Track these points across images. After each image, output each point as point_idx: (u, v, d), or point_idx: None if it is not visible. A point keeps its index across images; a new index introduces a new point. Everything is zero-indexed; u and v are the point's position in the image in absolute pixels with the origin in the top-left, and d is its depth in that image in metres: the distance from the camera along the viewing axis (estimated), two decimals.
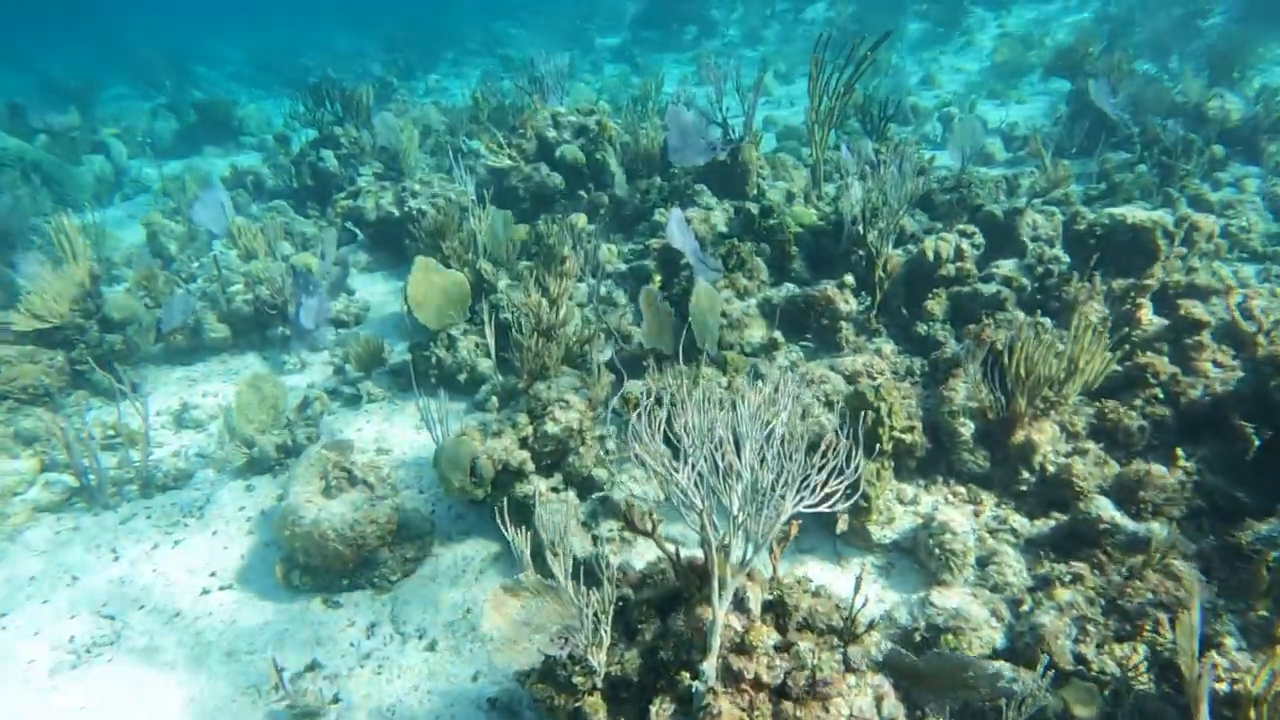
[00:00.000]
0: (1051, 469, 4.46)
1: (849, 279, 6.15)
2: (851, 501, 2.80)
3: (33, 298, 6.13)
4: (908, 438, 4.59)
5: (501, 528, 3.12)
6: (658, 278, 6.93)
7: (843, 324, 6.07)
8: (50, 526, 5.12)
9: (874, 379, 5.54)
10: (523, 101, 9.93)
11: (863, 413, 4.42)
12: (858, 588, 2.96)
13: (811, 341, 6.24)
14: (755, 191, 7.55)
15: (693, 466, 2.66)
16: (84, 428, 5.90)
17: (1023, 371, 4.46)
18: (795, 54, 16.99)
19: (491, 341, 5.35)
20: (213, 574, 4.64)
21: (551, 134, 8.67)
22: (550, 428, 4.55)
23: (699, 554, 3.17)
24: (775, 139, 11.41)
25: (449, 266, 6.44)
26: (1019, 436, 4.62)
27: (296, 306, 6.54)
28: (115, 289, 7.49)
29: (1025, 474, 4.55)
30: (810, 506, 2.74)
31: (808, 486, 2.81)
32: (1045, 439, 4.49)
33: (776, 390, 3.06)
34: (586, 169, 8.49)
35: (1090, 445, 4.54)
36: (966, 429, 4.77)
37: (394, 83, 14.57)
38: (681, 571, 3.08)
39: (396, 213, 8.12)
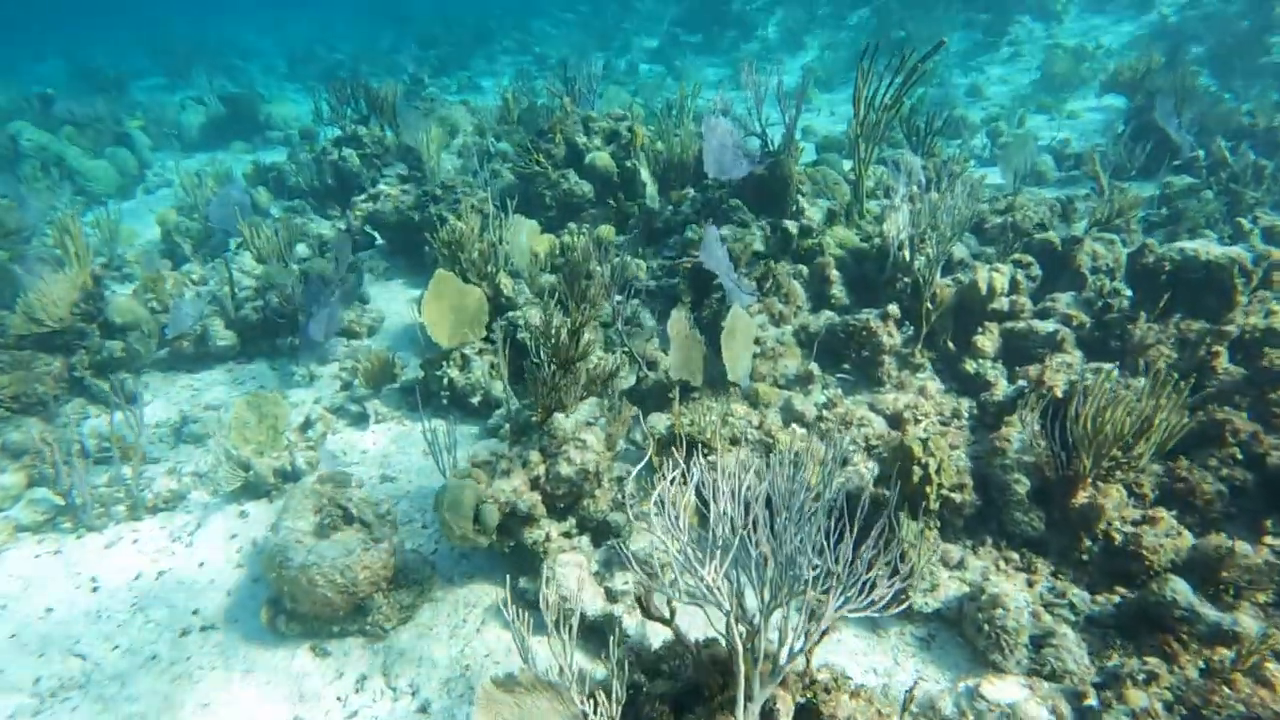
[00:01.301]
0: (1117, 538, 3.98)
1: (893, 309, 5.69)
2: (904, 606, 2.37)
3: (31, 300, 5.86)
4: (957, 497, 4.13)
5: (504, 610, 2.73)
6: (687, 298, 6.53)
7: (885, 357, 5.62)
8: (31, 549, 4.82)
9: (918, 420, 5.09)
10: (553, 104, 9.56)
11: (909, 468, 3.98)
12: (906, 706, 2.54)
13: (850, 374, 5.80)
14: (794, 208, 7.11)
15: (720, 563, 2.25)
16: (78, 440, 5.61)
17: (1089, 427, 3.99)
18: (837, 61, 16.49)
19: (503, 366, 4.97)
20: (195, 611, 4.30)
21: (581, 139, 8.29)
22: (564, 469, 4.16)
23: (720, 640, 2.77)
24: (815, 150, 10.95)
25: (467, 279, 6.08)
26: (1080, 498, 4.15)
27: (306, 316, 6.22)
28: (125, 289, 7.22)
29: (1086, 541, 4.07)
30: (855, 610, 2.33)
31: (853, 583, 2.39)
32: (1111, 504, 4.01)
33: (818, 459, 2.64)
34: (617, 177, 8.10)
35: (1162, 514, 4.05)
36: (1021, 486, 4.31)
37: (425, 80, 14.27)
38: (702, 666, 2.67)
39: (417, 217, 7.78)
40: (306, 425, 5.43)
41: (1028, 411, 4.53)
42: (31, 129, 11.60)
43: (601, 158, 7.97)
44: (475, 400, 5.66)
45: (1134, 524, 4.03)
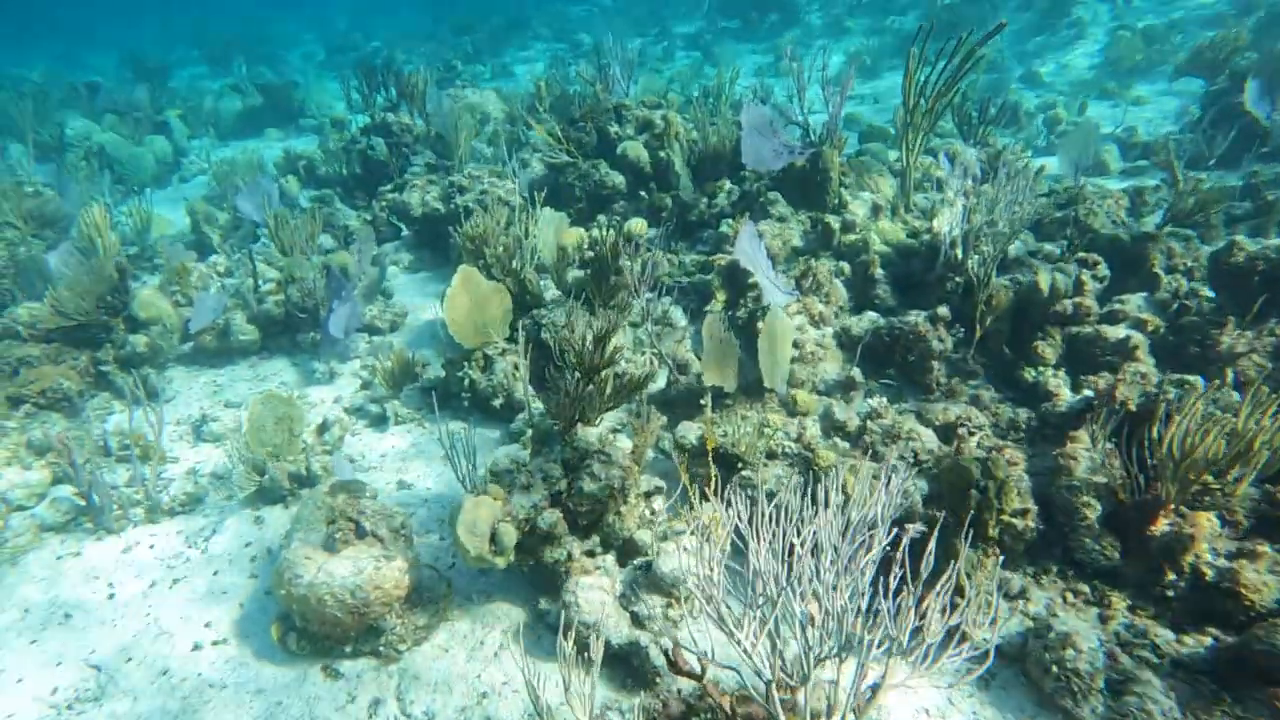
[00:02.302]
0: (1208, 573, 3.62)
1: (943, 311, 5.34)
2: (970, 675, 2.10)
3: (59, 293, 5.77)
4: (1020, 523, 3.81)
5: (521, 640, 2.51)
6: (721, 296, 6.24)
7: (934, 363, 5.28)
8: (53, 550, 4.73)
9: (971, 433, 4.75)
10: (586, 91, 9.28)
11: (966, 491, 3.67)
12: None
13: (895, 380, 5.47)
14: (835, 202, 6.76)
15: (760, 628, 1.99)
16: (100, 437, 5.52)
17: (1176, 451, 3.63)
18: (882, 46, 15.94)
19: (525, 369, 4.74)
20: (208, 624, 4.16)
21: (614, 129, 8.01)
22: (588, 485, 3.91)
23: (756, 695, 2.51)
24: (857, 139, 10.53)
25: (491, 275, 5.86)
26: (1161, 525, 3.80)
27: (328, 312, 6.05)
28: (155, 279, 7.14)
29: (1170, 575, 3.72)
30: (915, 676, 2.06)
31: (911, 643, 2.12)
32: (1201, 534, 3.65)
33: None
34: (650, 168, 7.81)
35: (1264, 546, 3.66)
36: (1091, 510, 3.96)
37: (458, 66, 14.07)
38: None
39: (442, 209, 7.58)
40: (324, 428, 5.27)
41: (1098, 428, 4.18)
42: (76, 117, 11.66)
43: (634, 148, 7.68)
44: (497, 403, 5.44)
45: (1228, 557, 3.66)
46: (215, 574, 4.47)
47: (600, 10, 23.44)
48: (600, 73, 9.00)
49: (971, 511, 3.69)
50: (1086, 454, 4.23)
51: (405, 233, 8.16)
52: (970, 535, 3.79)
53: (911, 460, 4.51)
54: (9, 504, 4.97)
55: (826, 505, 2.56)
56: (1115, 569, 3.91)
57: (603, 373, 3.94)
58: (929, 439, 4.64)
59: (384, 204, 8.24)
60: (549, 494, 3.98)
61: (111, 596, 4.37)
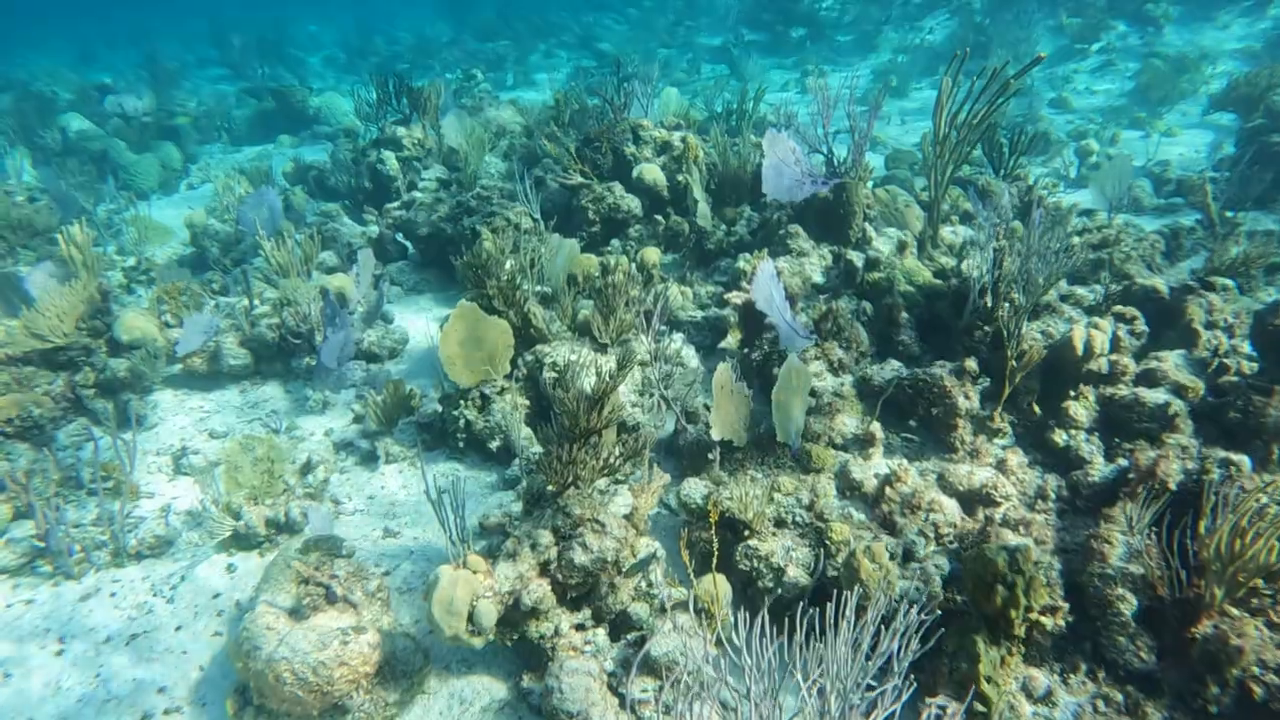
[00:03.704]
0: (1258, 691, 3.22)
1: (971, 365, 4.95)
2: None
3: (35, 314, 5.49)
4: (1049, 621, 3.41)
5: None
6: (736, 335, 5.88)
7: (959, 420, 4.89)
8: (3, 595, 4.42)
9: (997, 503, 4.36)
10: (605, 108, 8.96)
11: (992, 585, 3.28)
12: None
13: (917, 435, 5.09)
14: (859, 236, 6.39)
15: None
16: (73, 467, 5.22)
17: (1224, 550, 3.24)
18: (911, 65, 15.54)
19: (515, 421, 4.39)
20: (161, 689, 3.83)
21: (630, 149, 7.68)
22: (579, 557, 3.56)
23: None
24: (883, 164, 10.14)
25: (494, 308, 5.52)
26: (1204, 627, 3.40)
27: (322, 339, 5.74)
28: (131, 304, 6.86)
29: (1213, 688, 3.32)
30: None
31: None
32: (1249, 645, 3.25)
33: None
34: (667, 192, 7.47)
35: None
36: (1126, 606, 3.56)
37: (478, 75, 13.80)
38: None
39: (449, 229, 7.26)
40: (307, 468, 4.95)
41: (1137, 509, 3.78)
42: (81, 120, 11.47)
43: (651, 171, 7.34)
44: (494, 445, 5.10)
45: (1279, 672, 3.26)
46: (178, 629, 4.14)
47: (625, 20, 23.16)
48: (618, 89, 8.67)
49: (998, 607, 3.30)
50: (1122, 539, 3.83)
51: (411, 251, 7.86)
52: (993, 631, 3.41)
53: (932, 535, 4.12)
54: None
55: (837, 631, 2.19)
56: (1151, 673, 3.51)
57: (600, 435, 3.58)
58: (951, 510, 4.24)
59: (390, 221, 7.94)
60: (537, 564, 3.63)
61: (61, 653, 4.04)
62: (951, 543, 4.13)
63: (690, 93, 14.54)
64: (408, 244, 7.84)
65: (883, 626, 2.37)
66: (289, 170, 10.12)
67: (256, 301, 6.45)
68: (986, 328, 5.22)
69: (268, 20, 23.51)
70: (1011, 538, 3.85)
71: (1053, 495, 4.46)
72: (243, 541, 4.56)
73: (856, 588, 3.30)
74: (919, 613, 2.38)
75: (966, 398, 4.83)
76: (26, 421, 5.23)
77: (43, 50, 22.39)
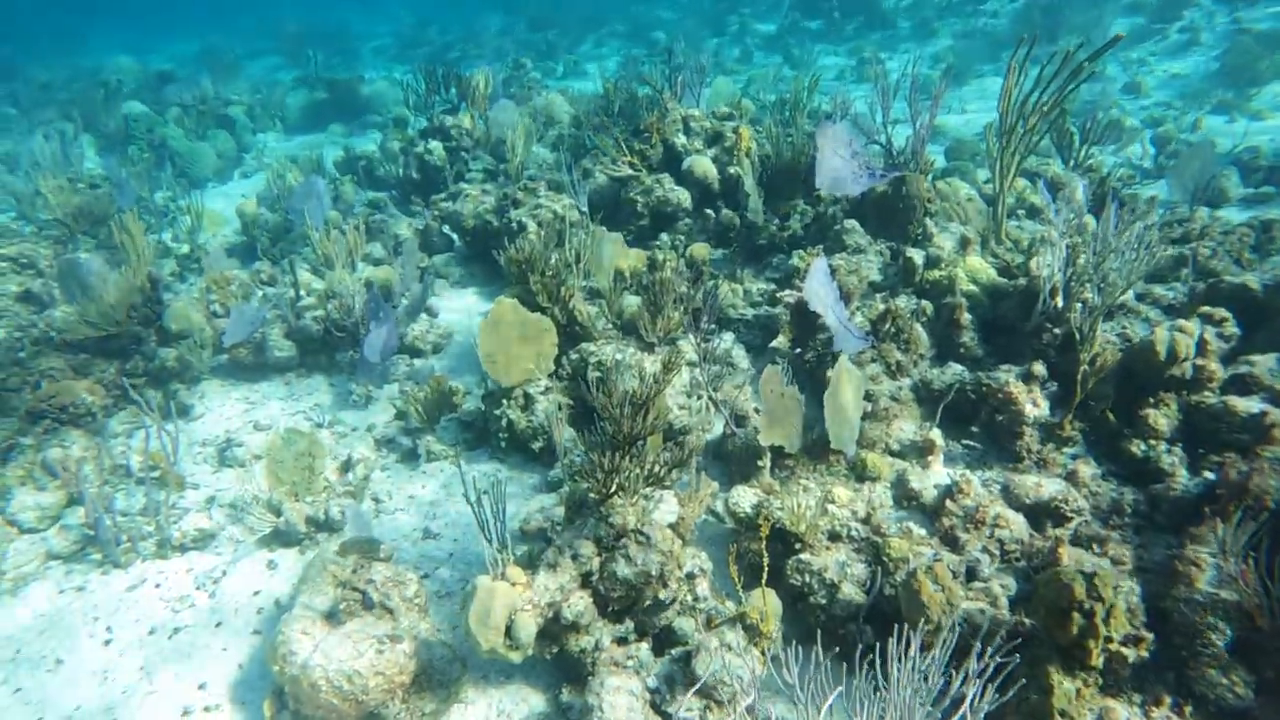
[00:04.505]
0: None
1: (1039, 369, 4.68)
2: None
3: (88, 301, 5.53)
4: (1130, 652, 3.17)
5: None
6: (788, 335, 5.67)
7: (1025, 428, 4.62)
8: (56, 581, 4.46)
9: (1068, 518, 4.10)
10: (655, 97, 8.75)
11: (1067, 611, 3.05)
12: None
13: (978, 442, 4.84)
14: (919, 232, 6.11)
15: None
16: (123, 455, 5.26)
17: None
18: (972, 51, 14.99)
19: (557, 426, 4.26)
20: (202, 685, 3.80)
21: (680, 141, 7.49)
22: (622, 569, 3.42)
23: None
24: (944, 155, 9.76)
25: (538, 304, 5.40)
26: None
27: (365, 333, 5.69)
28: (183, 291, 6.90)
29: None
30: None
31: None
32: None
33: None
34: (718, 185, 7.26)
35: None
36: (1219, 636, 3.29)
37: (528, 64, 13.70)
38: None
39: (495, 222, 7.16)
40: (347, 466, 4.89)
41: (1229, 529, 3.50)
42: (142, 108, 11.65)
43: (701, 163, 7.14)
44: (537, 446, 4.99)
45: None
46: (218, 625, 4.12)
47: (677, 8, 22.85)
48: (670, 78, 8.47)
49: (1073, 635, 3.07)
50: (1212, 561, 3.56)
51: (457, 244, 7.79)
52: (1068, 660, 3.18)
53: (997, 553, 3.88)
54: (18, 527, 4.73)
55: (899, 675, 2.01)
56: (1247, 710, 3.24)
57: (645, 441, 3.43)
58: (1018, 526, 4.00)
59: (437, 213, 7.88)
60: (579, 575, 3.50)
61: (108, 643, 4.05)
62: (1018, 560, 3.89)
63: (742, 82, 14.24)
64: (454, 236, 7.77)
65: (951, 668, 2.17)
66: (339, 160, 10.14)
67: (303, 293, 6.44)
68: (1056, 330, 4.94)
69: (322, 10, 23.80)
70: (1086, 557, 3.60)
71: (1129, 510, 4.18)
72: (283, 538, 4.53)
73: (918, 615, 3.10)
74: (993, 653, 2.17)
75: (1034, 404, 4.56)
76: (80, 409, 5.27)
77: (108, 40, 22.96)
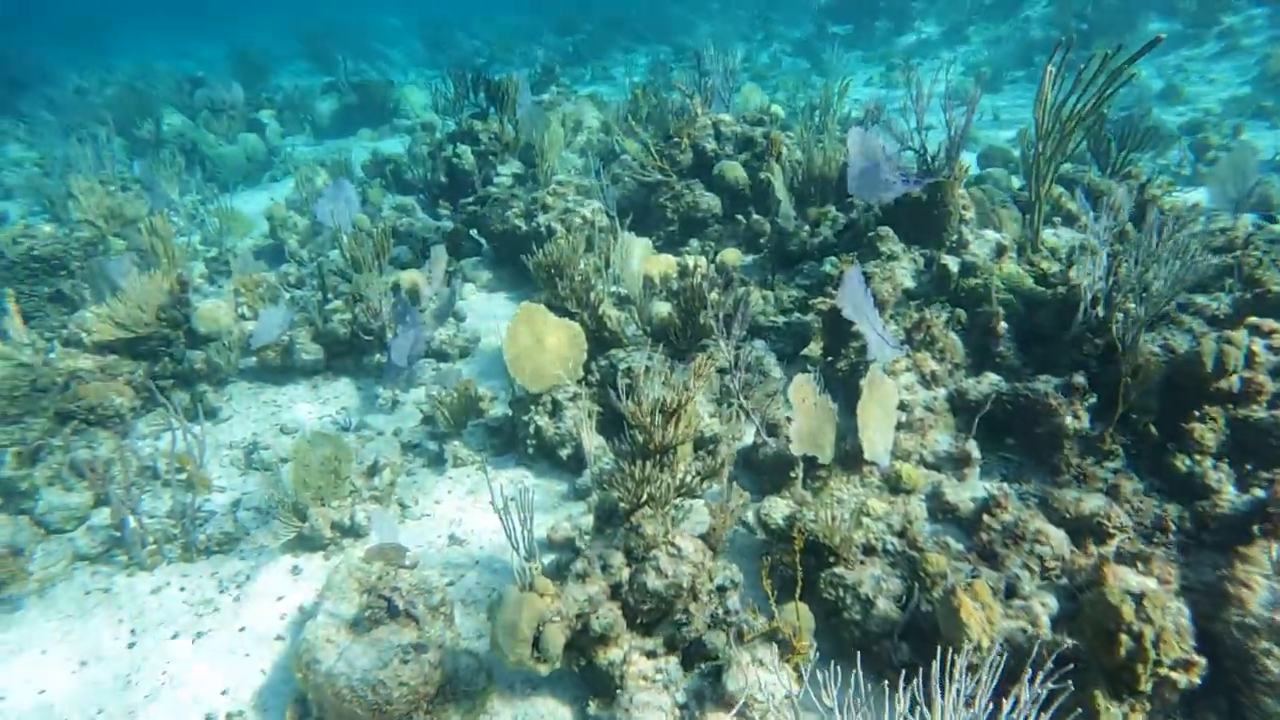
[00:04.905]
0: None
1: (1079, 380, 4.54)
2: None
3: (117, 303, 5.55)
4: (1181, 678, 3.04)
5: None
6: (820, 343, 5.57)
7: (1065, 441, 4.49)
8: (83, 583, 4.45)
9: (1109, 535, 3.96)
10: (684, 103, 8.70)
11: (1114, 634, 2.93)
12: None
13: (1015, 454, 4.71)
14: (954, 239, 5.99)
15: None
16: (150, 457, 5.26)
17: None
18: (1004, 57, 14.81)
19: (587, 432, 4.19)
20: (225, 691, 3.76)
21: (710, 146, 7.41)
22: (652, 581, 3.34)
23: None
24: (976, 162, 9.61)
25: (566, 309, 5.35)
26: None
27: (392, 337, 5.66)
28: (212, 294, 6.92)
29: None
30: None
31: None
32: None
33: None
34: (748, 191, 7.18)
35: None
36: (1275, 663, 3.16)
37: (556, 69, 13.71)
38: None
39: (524, 226, 7.12)
40: (373, 470, 4.85)
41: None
42: (173, 112, 11.78)
43: (732, 168, 7.06)
44: (565, 453, 4.92)
45: None
46: (242, 630, 4.08)
47: (704, 13, 22.80)
48: (699, 84, 8.41)
49: (1120, 659, 2.94)
50: (1265, 583, 3.41)
51: (485, 248, 7.76)
52: (1115, 685, 3.05)
53: (1038, 570, 3.76)
54: (46, 528, 4.74)
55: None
56: None
57: (673, 455, 3.35)
58: (1059, 541, 3.87)
59: (465, 216, 7.86)
60: (608, 586, 3.42)
61: (132, 646, 4.03)
62: (1059, 577, 3.77)
63: (771, 88, 14.16)
64: (481, 240, 7.74)
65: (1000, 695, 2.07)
66: (367, 163, 10.17)
67: (330, 296, 6.43)
68: (1097, 340, 4.80)
69: (351, 16, 24.01)
70: (1131, 577, 3.47)
71: (1174, 527, 4.04)
72: (308, 543, 4.49)
73: (958, 633, 2.99)
74: (1044, 678, 2.07)
75: (1075, 416, 4.43)
76: (108, 410, 5.28)
77: (142, 45, 23.30)
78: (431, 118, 11.47)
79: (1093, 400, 4.63)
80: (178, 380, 5.76)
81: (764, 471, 4.65)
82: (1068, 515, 4.09)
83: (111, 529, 4.61)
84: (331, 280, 6.58)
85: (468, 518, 4.76)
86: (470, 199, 7.93)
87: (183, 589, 4.38)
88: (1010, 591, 3.64)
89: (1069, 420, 4.48)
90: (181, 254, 6.04)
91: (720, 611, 3.62)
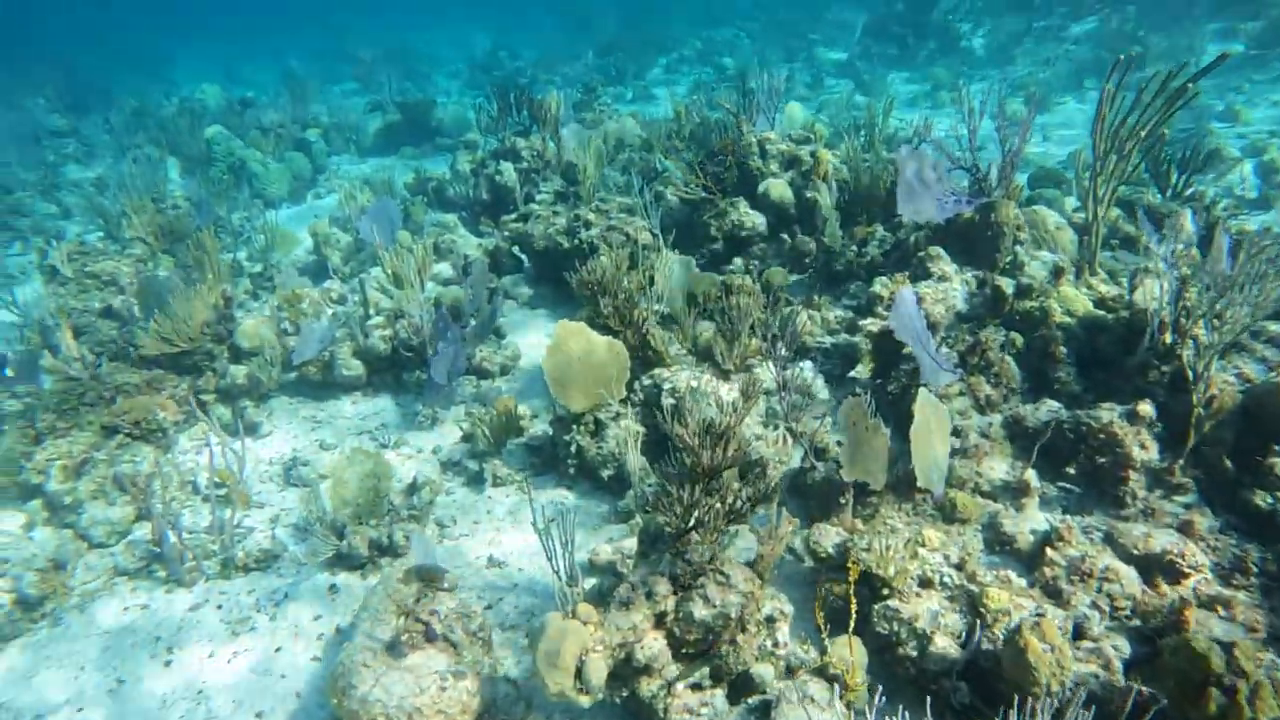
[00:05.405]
0: None
1: (1145, 409, 4.32)
2: None
3: (163, 318, 5.58)
4: None
5: None
6: (869, 364, 5.41)
7: (1130, 473, 4.27)
8: (122, 598, 4.43)
9: (1184, 574, 3.73)
10: (727, 120, 8.61)
11: (1201, 686, 2.72)
12: None
13: (1076, 484, 4.49)
14: (1008, 260, 5.80)
15: None
16: (191, 472, 5.26)
17: None
18: (1053, 77, 14.54)
19: (632, 451, 4.08)
20: (259, 714, 3.69)
21: (756, 164, 7.31)
22: (699, 611, 3.20)
23: None
24: (1026, 183, 9.37)
25: (608, 327, 5.26)
26: None
27: (433, 354, 5.61)
28: (255, 309, 6.95)
29: None
30: None
31: None
32: None
33: None
34: (793, 209, 7.05)
35: None
36: None
37: (598, 88, 13.75)
38: None
39: (566, 243, 7.07)
40: (413, 488, 4.78)
41: None
42: (223, 132, 11.99)
43: (777, 186, 6.95)
44: (606, 474, 4.81)
45: None
46: (278, 650, 4.02)
47: (746, 34, 22.79)
48: (743, 101, 8.33)
49: (1212, 713, 2.73)
50: None
51: (526, 265, 7.72)
52: None
53: (1108, 609, 3.55)
54: (89, 541, 4.74)
55: None
56: None
57: (721, 479, 3.22)
58: (1130, 579, 3.65)
59: (507, 233, 7.84)
60: (652, 615, 3.29)
61: (168, 664, 3.98)
62: (1129, 618, 3.55)
63: (814, 107, 14.04)
64: (523, 257, 7.70)
65: None
66: (410, 181, 10.24)
67: (371, 311, 6.42)
68: (1164, 367, 4.58)
69: (397, 36, 24.43)
70: (1215, 624, 3.25)
71: (1255, 569, 3.79)
72: (346, 562, 4.42)
73: (1025, 676, 2.81)
74: None
75: (1142, 447, 4.21)
76: (151, 424, 5.29)
77: (197, 67, 23.94)
78: (474, 136, 11.53)
79: (1159, 430, 4.40)
80: (220, 395, 5.77)
81: (811, 496, 4.49)
82: (1136, 551, 3.86)
83: (151, 544, 4.59)
84: (373, 296, 6.57)
85: (507, 538, 4.66)
86: (512, 216, 7.90)
87: (220, 607, 4.33)
88: (1078, 632, 3.43)
89: (1135, 451, 4.25)
90: (227, 270, 6.06)
91: (769, 643, 3.47)
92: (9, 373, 6.01)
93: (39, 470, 4.98)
